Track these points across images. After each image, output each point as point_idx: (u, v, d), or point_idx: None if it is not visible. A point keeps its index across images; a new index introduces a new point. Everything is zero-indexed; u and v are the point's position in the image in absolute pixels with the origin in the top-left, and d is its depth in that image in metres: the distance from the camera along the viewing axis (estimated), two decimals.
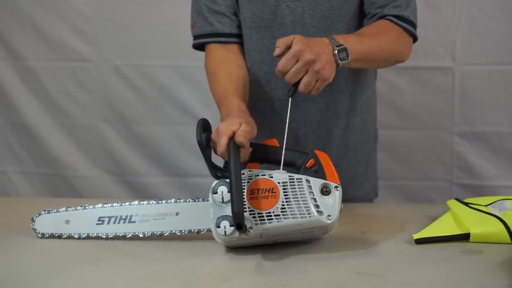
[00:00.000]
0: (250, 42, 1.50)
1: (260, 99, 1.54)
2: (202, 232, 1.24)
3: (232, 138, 1.17)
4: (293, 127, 1.53)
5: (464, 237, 1.24)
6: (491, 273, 1.07)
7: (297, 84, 1.24)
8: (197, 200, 1.26)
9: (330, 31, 1.45)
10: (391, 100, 2.32)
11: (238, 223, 1.11)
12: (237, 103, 1.32)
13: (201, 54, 1.55)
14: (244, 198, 1.13)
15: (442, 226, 1.29)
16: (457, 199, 1.40)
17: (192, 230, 1.24)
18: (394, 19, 1.42)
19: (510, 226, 1.22)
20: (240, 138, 1.17)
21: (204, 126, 1.22)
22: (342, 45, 1.27)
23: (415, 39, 1.47)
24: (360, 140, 1.61)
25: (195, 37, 1.52)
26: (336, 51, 1.26)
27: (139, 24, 2.41)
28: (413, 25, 1.45)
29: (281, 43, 1.23)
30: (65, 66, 2.46)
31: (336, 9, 1.44)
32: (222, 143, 1.17)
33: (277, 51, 1.23)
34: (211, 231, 1.20)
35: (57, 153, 2.52)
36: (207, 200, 1.21)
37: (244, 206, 1.13)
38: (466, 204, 1.36)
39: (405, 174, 2.41)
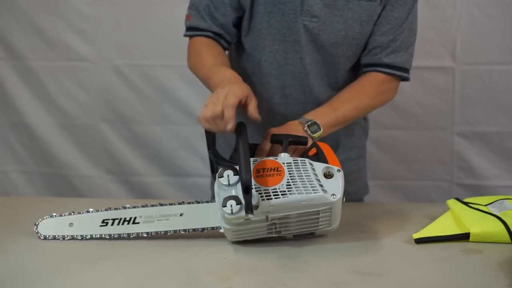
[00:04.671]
0: (263, 53, 1.50)
1: (265, 109, 1.54)
2: (206, 231, 1.24)
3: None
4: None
5: (464, 237, 1.23)
6: (491, 273, 1.07)
7: None
8: (201, 202, 1.27)
9: (339, 57, 1.48)
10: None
11: (246, 186, 1.10)
12: (229, 70, 1.34)
13: None
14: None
15: (442, 226, 1.29)
16: (457, 199, 1.40)
17: (196, 229, 1.24)
18: (385, 69, 1.46)
19: (510, 226, 1.22)
20: (255, 115, 1.24)
21: None
22: (311, 120, 1.35)
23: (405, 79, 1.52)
24: (352, 134, 1.64)
25: (189, 28, 1.51)
26: (306, 128, 1.34)
27: (139, 24, 2.41)
28: (407, 71, 1.50)
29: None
30: (65, 66, 2.46)
31: (350, 38, 1.45)
32: (231, 101, 1.19)
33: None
34: (214, 229, 1.21)
35: (57, 152, 2.52)
36: (211, 202, 1.22)
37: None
38: (466, 203, 1.35)
39: (405, 174, 2.41)
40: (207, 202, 1.26)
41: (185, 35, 1.52)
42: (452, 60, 2.30)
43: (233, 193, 1.15)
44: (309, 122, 1.34)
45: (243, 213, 1.13)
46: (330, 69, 1.50)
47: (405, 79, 1.51)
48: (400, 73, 1.48)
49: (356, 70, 1.55)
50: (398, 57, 1.46)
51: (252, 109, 1.23)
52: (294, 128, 1.33)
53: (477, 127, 2.34)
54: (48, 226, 1.27)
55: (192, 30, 1.49)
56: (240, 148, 1.15)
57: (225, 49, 1.51)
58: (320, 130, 1.35)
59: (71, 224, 1.27)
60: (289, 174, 1.18)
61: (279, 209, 1.15)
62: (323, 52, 1.47)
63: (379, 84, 1.48)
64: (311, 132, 1.33)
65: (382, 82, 1.48)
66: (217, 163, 1.22)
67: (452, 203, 1.39)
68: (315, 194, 1.15)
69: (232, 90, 1.21)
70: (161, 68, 2.43)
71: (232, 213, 1.13)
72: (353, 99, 1.45)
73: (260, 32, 1.47)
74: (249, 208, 1.13)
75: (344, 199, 1.20)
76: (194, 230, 1.24)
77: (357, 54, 1.50)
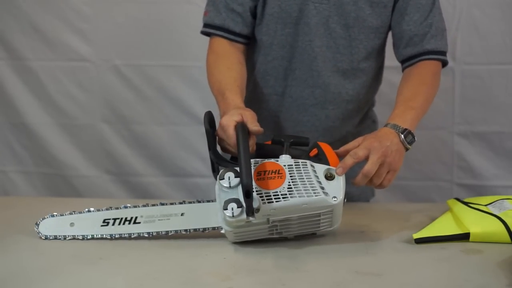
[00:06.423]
0: (274, 37, 1.50)
1: (275, 93, 1.55)
2: (207, 231, 1.24)
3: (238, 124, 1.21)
4: (297, 130, 1.55)
5: (464, 237, 1.23)
6: (491, 273, 1.07)
7: None
8: (202, 201, 1.27)
9: (351, 40, 1.48)
10: (391, 100, 2.30)
11: (247, 191, 1.10)
12: (232, 99, 1.34)
13: (202, 54, 1.55)
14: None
15: (442, 226, 1.29)
16: (457, 199, 1.40)
17: (197, 229, 1.24)
18: (431, 56, 1.47)
19: (510, 226, 1.22)
20: (255, 128, 1.21)
21: (210, 119, 1.23)
22: (406, 129, 1.31)
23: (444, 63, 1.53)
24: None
25: (205, 25, 1.52)
26: (402, 138, 1.30)
27: (139, 24, 2.41)
28: (446, 53, 1.51)
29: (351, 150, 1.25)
30: (65, 66, 2.46)
31: (360, 20, 1.46)
32: (230, 133, 1.20)
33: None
34: (216, 229, 1.21)
35: (56, 152, 2.52)
36: (212, 201, 1.22)
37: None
38: (466, 203, 1.35)
39: (405, 174, 2.41)
40: (208, 201, 1.26)
41: (201, 32, 1.53)
42: (452, 60, 2.29)
43: (234, 195, 1.15)
44: (405, 132, 1.31)
45: (244, 216, 1.13)
46: (342, 54, 1.49)
47: (445, 63, 1.52)
48: (443, 57, 1.50)
49: (376, 63, 1.56)
50: (437, 42, 1.48)
51: (250, 127, 1.22)
52: (390, 137, 1.29)
53: (477, 127, 2.34)
54: (49, 225, 1.27)
55: (208, 27, 1.51)
56: (240, 151, 1.15)
57: (244, 44, 1.52)
58: (415, 140, 1.32)
59: (72, 224, 1.27)
60: (290, 176, 1.17)
61: (280, 212, 1.15)
62: (335, 35, 1.47)
63: (432, 71, 1.48)
64: (408, 142, 1.31)
65: (433, 68, 1.49)
66: (218, 163, 1.22)
67: (452, 203, 1.39)
68: (316, 197, 1.15)
69: (224, 123, 1.22)
70: (161, 68, 2.43)
71: (233, 216, 1.13)
72: (420, 92, 1.43)
73: (272, 16, 1.48)
74: (250, 211, 1.12)
75: (345, 200, 1.19)
76: (195, 230, 1.24)
77: (371, 39, 1.49)
